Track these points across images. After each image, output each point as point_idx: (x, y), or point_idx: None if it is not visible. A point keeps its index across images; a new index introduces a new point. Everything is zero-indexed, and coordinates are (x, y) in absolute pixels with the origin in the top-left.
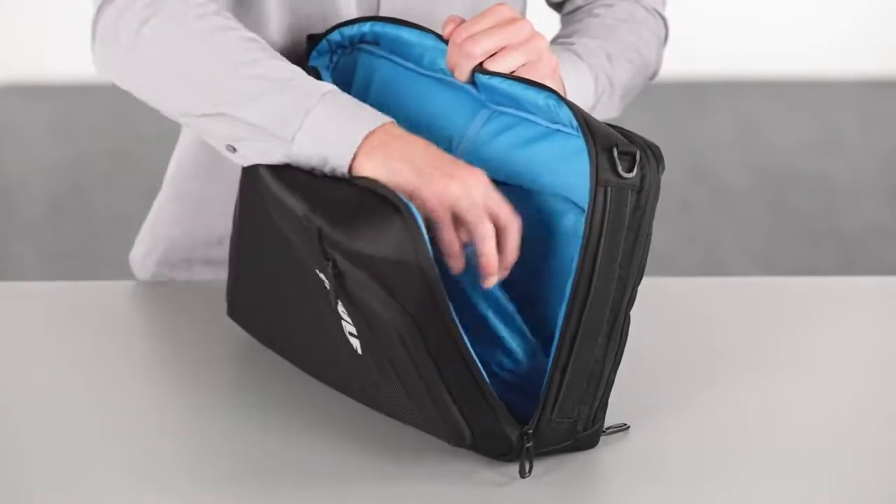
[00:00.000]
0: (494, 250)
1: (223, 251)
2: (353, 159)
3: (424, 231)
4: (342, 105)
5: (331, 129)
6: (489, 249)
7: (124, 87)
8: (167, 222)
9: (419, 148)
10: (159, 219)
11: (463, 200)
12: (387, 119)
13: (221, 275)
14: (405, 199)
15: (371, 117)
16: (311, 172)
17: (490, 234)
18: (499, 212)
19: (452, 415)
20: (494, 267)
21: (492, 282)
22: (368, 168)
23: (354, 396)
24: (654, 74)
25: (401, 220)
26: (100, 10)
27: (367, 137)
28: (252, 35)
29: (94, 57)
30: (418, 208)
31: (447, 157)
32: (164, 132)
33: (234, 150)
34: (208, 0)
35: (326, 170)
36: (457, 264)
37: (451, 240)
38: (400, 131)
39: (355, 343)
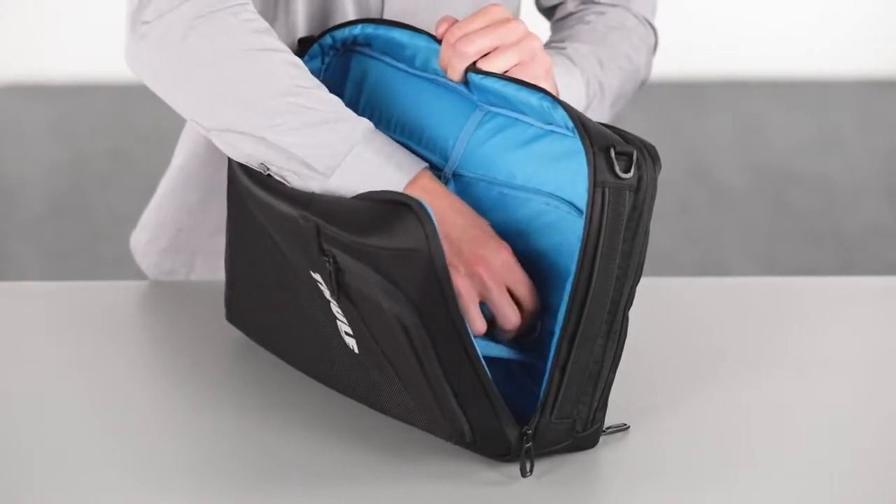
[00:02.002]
0: (515, 315)
1: None
2: None
3: (436, 222)
4: (385, 147)
5: (372, 171)
6: (508, 315)
7: (154, 88)
8: (173, 209)
9: (453, 214)
10: (165, 205)
11: (489, 284)
12: (423, 164)
13: (222, 270)
14: (414, 196)
15: (412, 165)
16: None
17: (510, 307)
18: (518, 291)
19: (453, 410)
20: (515, 324)
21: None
22: None
23: (353, 396)
24: (644, 83)
25: (412, 212)
26: (141, 3)
27: (405, 188)
28: (297, 60)
29: (127, 51)
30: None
31: (478, 227)
32: (164, 132)
33: (268, 169)
34: (258, 16)
35: None
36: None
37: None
38: (433, 186)
39: (351, 343)
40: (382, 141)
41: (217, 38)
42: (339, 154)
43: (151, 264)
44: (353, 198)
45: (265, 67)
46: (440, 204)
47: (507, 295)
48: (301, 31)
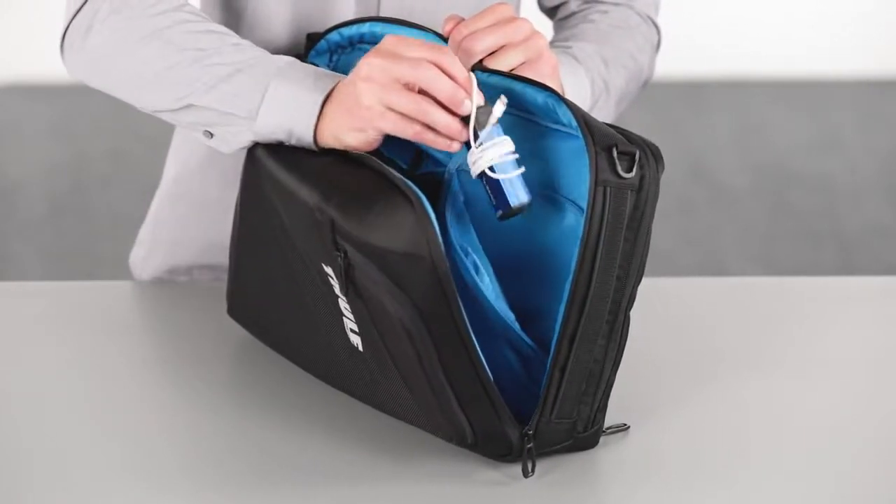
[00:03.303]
0: (448, 83)
1: (226, 256)
2: (316, 127)
3: (436, 225)
4: (301, 76)
5: (290, 100)
6: (444, 85)
7: (95, 87)
8: (168, 224)
9: (342, 84)
10: (160, 220)
11: (395, 69)
12: (337, 78)
13: (219, 280)
14: (415, 190)
15: (328, 82)
16: (314, 153)
17: (436, 74)
18: (424, 54)
19: (455, 412)
20: (460, 100)
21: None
22: (327, 133)
23: (353, 394)
24: (647, 81)
25: (413, 213)
26: (73, 18)
27: (324, 102)
28: (211, 27)
29: (63, 62)
30: (386, 125)
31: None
32: (165, 132)
33: (211, 135)
34: None
35: (293, 142)
36: (458, 138)
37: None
38: (341, 80)
39: (356, 340)
40: (297, 70)
41: (124, 26)
42: (257, 94)
43: (148, 280)
44: (355, 165)
45: (173, 43)
46: (345, 82)
47: (432, 67)
48: (296, 30)
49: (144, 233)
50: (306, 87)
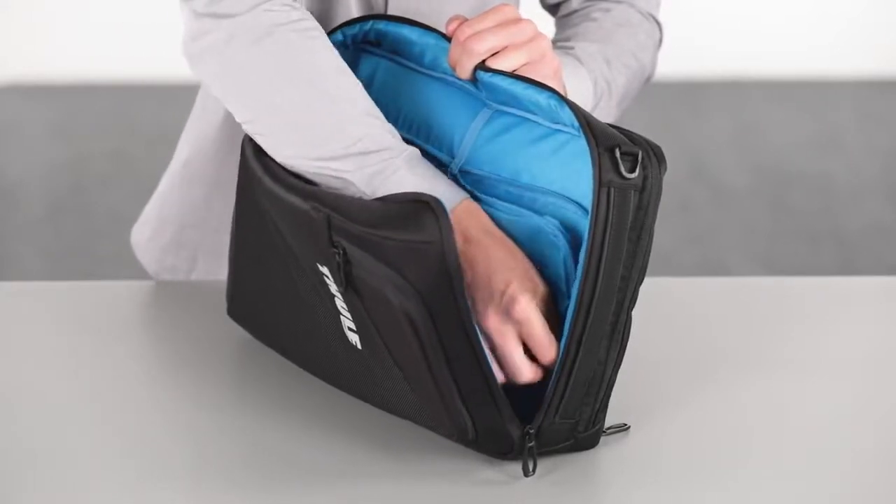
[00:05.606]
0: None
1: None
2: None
3: (450, 218)
4: (424, 170)
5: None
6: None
7: (213, 89)
8: (179, 204)
9: (499, 254)
10: (169, 200)
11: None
12: (463, 195)
13: (224, 269)
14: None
15: (450, 191)
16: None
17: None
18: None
19: (457, 407)
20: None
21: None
22: None
23: (353, 392)
24: (649, 79)
25: (429, 209)
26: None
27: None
28: (348, 69)
29: (186, 46)
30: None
31: (519, 267)
32: (165, 132)
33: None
34: (322, 33)
35: None
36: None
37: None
38: (475, 214)
39: (354, 338)
40: (424, 168)
41: (283, 54)
42: (384, 176)
43: (153, 260)
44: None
45: (330, 94)
46: (488, 237)
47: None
48: None
49: (150, 212)
50: (439, 192)
